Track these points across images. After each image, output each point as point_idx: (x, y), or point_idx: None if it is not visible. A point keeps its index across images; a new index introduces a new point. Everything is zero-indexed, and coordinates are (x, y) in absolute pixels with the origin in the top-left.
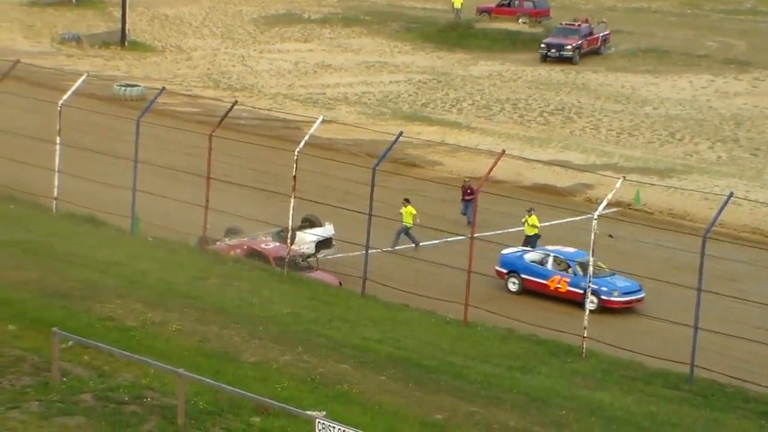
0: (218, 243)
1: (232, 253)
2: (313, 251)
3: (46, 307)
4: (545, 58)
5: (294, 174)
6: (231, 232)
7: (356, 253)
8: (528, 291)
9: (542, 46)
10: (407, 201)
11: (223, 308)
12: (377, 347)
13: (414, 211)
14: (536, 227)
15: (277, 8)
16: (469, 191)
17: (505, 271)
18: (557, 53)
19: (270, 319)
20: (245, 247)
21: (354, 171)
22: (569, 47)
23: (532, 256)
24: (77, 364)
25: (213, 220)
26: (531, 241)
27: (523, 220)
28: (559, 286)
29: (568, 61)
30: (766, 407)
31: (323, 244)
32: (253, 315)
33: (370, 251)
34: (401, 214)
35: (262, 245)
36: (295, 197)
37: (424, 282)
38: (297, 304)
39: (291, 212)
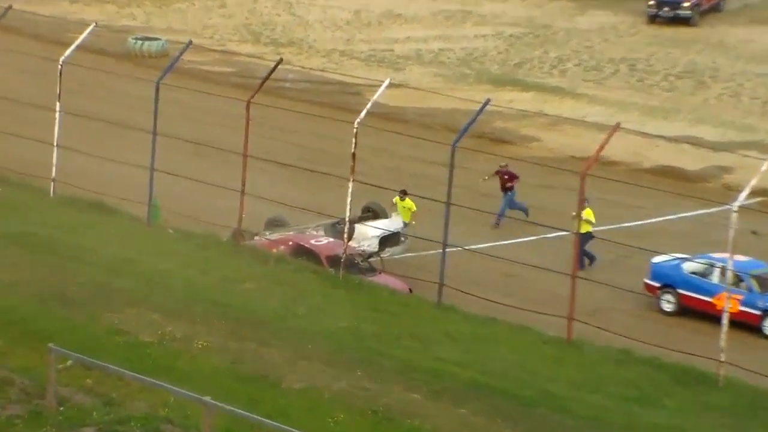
0: (257, 237)
1: (274, 250)
2: (377, 249)
3: (40, 317)
4: (654, 19)
5: (353, 151)
6: (273, 223)
7: (431, 252)
8: (688, 311)
9: (651, 3)
10: (404, 193)
11: (262, 320)
12: (456, 372)
13: (414, 207)
14: (591, 223)
15: None
16: (506, 177)
17: (657, 284)
18: (671, 12)
19: (321, 334)
20: (291, 242)
21: (429, 149)
22: (686, 4)
23: (692, 266)
24: (78, 388)
25: (251, 208)
26: (584, 240)
27: (574, 214)
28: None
29: (684, 22)
30: None
31: (389, 240)
32: (300, 329)
33: (448, 250)
34: (394, 204)
35: (312, 241)
36: (354, 181)
37: (516, 289)
38: (355, 315)
39: (349, 200)
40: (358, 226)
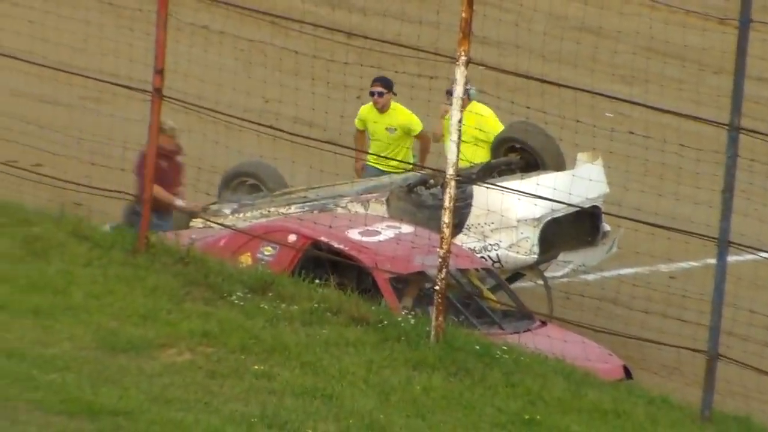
0: (197, 223)
1: (243, 257)
2: (535, 254)
3: None
4: None
5: None
6: (241, 183)
7: (682, 264)
8: None
9: None
10: None
11: None
12: None
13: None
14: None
15: None
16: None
17: None
18: None
19: None
20: (293, 236)
21: None
22: None
23: None
24: None
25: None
26: None
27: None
28: None
29: None
30: None
31: (574, 230)
32: None
33: (736, 258)
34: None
35: (353, 233)
36: (468, 62)
37: None
38: None
39: (455, 118)
40: (481, 191)
